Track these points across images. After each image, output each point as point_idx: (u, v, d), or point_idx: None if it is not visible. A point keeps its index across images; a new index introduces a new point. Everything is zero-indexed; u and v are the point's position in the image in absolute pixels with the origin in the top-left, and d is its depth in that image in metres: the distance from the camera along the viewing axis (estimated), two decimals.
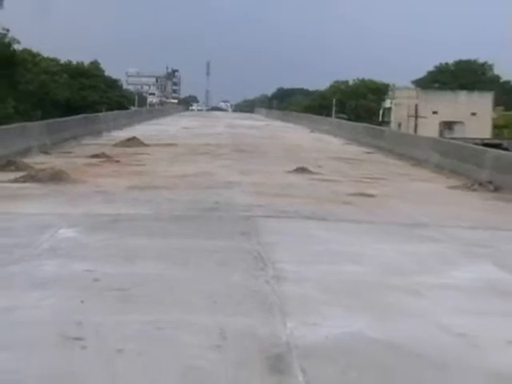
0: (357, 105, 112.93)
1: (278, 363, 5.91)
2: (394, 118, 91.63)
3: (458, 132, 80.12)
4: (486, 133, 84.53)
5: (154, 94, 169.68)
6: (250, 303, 7.63)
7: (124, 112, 62.25)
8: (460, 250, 11.18)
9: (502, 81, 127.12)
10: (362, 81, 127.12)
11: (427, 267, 9.69)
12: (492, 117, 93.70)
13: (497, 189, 18.77)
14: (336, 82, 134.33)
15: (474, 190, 18.97)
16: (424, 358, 6.20)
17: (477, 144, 32.18)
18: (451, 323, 7.16)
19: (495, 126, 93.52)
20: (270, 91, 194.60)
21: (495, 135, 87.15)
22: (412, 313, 7.53)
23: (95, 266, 8.86)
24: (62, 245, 10.21)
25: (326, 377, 5.67)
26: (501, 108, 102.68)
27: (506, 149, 44.48)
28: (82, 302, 7.42)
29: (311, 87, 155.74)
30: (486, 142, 57.29)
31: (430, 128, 76.67)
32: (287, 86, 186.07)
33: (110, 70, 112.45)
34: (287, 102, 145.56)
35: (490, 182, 19.33)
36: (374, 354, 6.22)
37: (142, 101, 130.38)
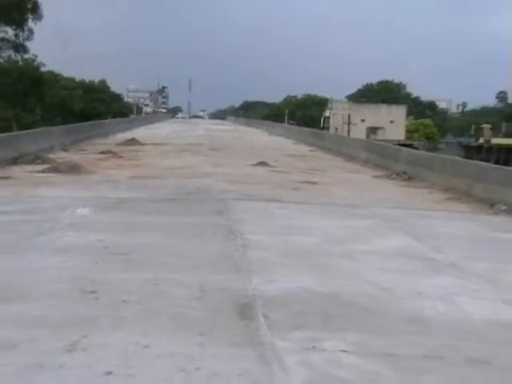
0: (304, 114, 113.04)
1: (245, 310, 5.92)
2: (332, 124, 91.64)
3: (380, 135, 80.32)
4: (400, 136, 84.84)
5: (148, 105, 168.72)
6: (224, 265, 7.63)
7: (125, 119, 61.87)
8: (382, 224, 11.26)
9: (412, 97, 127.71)
10: (308, 95, 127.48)
11: (359, 237, 9.74)
12: (405, 124, 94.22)
13: (409, 178, 18.94)
14: (288, 96, 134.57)
15: (393, 179, 19.12)
16: (356, 305, 6.24)
17: (394, 144, 32.36)
18: (377, 280, 7.22)
19: (407, 131, 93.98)
20: (237, 103, 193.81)
21: (408, 138, 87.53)
22: (348, 272, 7.57)
23: (105, 236, 8.83)
24: (79, 220, 10.17)
25: (282, 320, 5.68)
26: (412, 117, 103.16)
27: (415, 148, 44.77)
28: (96, 263, 7.40)
29: (269, 100, 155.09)
30: (401, 142, 57.58)
31: (359, 132, 76.86)
32: (251, 99, 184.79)
33: (114, 86, 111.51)
34: (251, 111, 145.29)
35: (405, 173, 19.50)
36: (319, 303, 6.25)
37: (139, 110, 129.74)
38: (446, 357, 5.09)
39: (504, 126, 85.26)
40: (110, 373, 4.45)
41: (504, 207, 13.34)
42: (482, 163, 19.85)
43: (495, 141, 72.95)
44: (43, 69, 53.62)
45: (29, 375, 4.40)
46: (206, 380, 4.41)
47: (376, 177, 19.87)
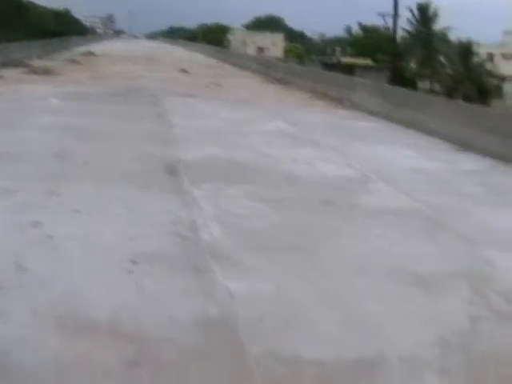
0: (213, 37, 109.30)
1: (172, 170, 5.87)
2: (232, 45, 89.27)
3: (266, 53, 78.96)
4: (280, 54, 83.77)
5: (100, 28, 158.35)
6: (156, 139, 7.47)
7: (84, 37, 58.26)
8: (266, 114, 11.14)
9: (288, 27, 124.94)
10: (216, 24, 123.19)
11: (251, 123, 9.62)
12: (283, 46, 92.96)
13: (286, 83, 18.75)
14: (202, 24, 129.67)
15: (273, 83, 18.88)
16: (249, 166, 6.27)
17: (275, 60, 31.85)
18: (263, 150, 7.23)
19: (285, 51, 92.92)
20: (166, 27, 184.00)
21: (285, 56, 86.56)
22: (243, 145, 7.52)
23: (71, 118, 8.44)
24: (52, 107, 9.63)
25: (198, 176, 5.65)
26: (288, 42, 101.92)
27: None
28: (64, 137, 7.09)
29: (188, 26, 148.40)
30: (279, 58, 56.70)
31: (251, 51, 75.30)
32: (176, 25, 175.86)
33: (75, 13, 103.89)
34: (175, 34, 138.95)
35: (282, 79, 19.30)
36: (223, 165, 6.25)
37: (94, 32, 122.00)
38: (308, 199, 5.23)
39: (349, 50, 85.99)
40: (78, 211, 4.35)
41: (349, 103, 13.51)
42: (335, 73, 19.89)
43: (344, 60, 73.24)
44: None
45: (25, 207, 4.29)
46: (144, 215, 4.37)
47: (262, 82, 19.57)
